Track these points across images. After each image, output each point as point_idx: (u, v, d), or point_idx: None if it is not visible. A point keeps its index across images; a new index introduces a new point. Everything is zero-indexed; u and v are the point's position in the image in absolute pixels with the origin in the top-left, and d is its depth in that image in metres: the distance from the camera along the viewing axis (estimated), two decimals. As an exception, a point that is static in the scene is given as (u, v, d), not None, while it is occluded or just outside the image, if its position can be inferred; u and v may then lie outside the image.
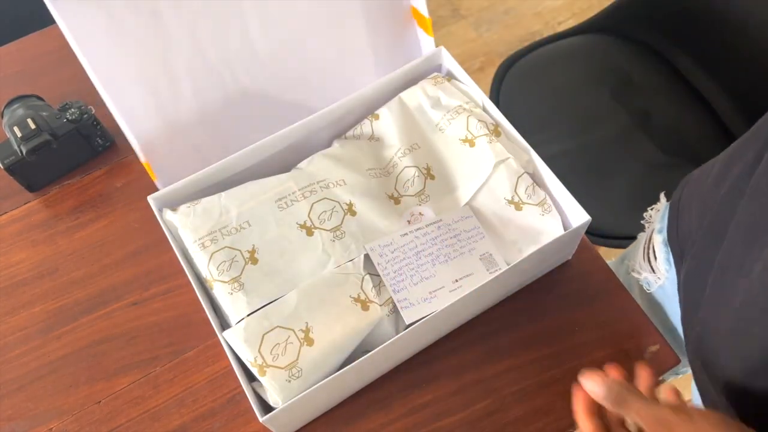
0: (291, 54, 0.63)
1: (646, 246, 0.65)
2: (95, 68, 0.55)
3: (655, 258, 0.63)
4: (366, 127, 0.63)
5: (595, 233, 0.89)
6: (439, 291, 0.53)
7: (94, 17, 0.52)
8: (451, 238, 0.56)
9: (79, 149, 0.69)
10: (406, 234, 0.55)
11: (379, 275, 0.53)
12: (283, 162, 0.61)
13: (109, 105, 0.56)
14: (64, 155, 0.68)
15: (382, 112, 0.62)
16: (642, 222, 0.69)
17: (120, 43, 0.55)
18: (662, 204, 0.65)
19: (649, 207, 0.68)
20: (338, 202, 0.57)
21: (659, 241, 0.62)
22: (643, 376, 0.45)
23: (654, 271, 0.64)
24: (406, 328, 0.51)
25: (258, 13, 0.60)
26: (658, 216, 0.64)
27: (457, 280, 0.54)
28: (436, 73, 0.65)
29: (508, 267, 0.53)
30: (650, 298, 0.68)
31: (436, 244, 0.55)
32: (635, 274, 0.67)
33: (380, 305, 0.52)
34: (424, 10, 0.64)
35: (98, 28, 0.53)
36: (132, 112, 0.58)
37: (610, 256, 1.30)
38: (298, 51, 0.63)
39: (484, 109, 0.62)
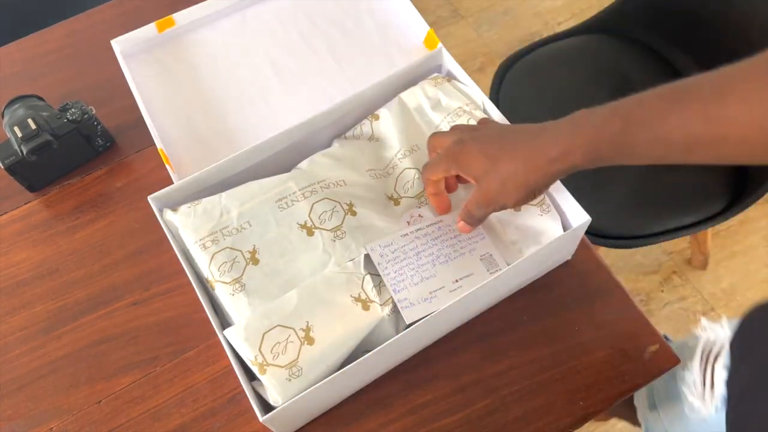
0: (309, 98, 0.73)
1: (704, 367, 0.58)
2: (140, 92, 0.69)
3: (712, 392, 0.57)
4: (366, 127, 0.63)
5: (595, 233, 0.90)
6: (440, 291, 0.53)
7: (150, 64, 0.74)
8: (452, 238, 0.55)
9: (79, 149, 0.69)
10: (406, 234, 0.55)
11: (379, 275, 0.54)
12: (284, 162, 0.61)
13: (148, 122, 0.66)
14: (65, 155, 0.68)
15: (382, 112, 0.63)
16: (698, 332, 0.61)
17: (165, 81, 0.74)
18: (723, 328, 0.59)
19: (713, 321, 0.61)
20: (338, 202, 0.57)
21: (720, 374, 0.56)
22: None
23: (704, 401, 0.58)
24: (407, 328, 0.51)
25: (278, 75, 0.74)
26: (718, 347, 0.58)
27: (457, 281, 0.54)
28: (436, 74, 0.65)
29: (508, 267, 0.53)
30: (683, 416, 0.63)
31: (437, 245, 0.55)
32: (685, 388, 0.60)
33: (380, 305, 0.52)
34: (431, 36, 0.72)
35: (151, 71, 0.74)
36: (161, 121, 0.70)
37: (609, 256, 1.30)
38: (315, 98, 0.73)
39: (484, 110, 0.62)
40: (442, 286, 0.54)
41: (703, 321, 0.61)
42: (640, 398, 0.73)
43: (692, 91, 0.42)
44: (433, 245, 0.55)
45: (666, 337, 0.72)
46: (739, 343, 0.54)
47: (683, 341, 0.66)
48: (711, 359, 0.58)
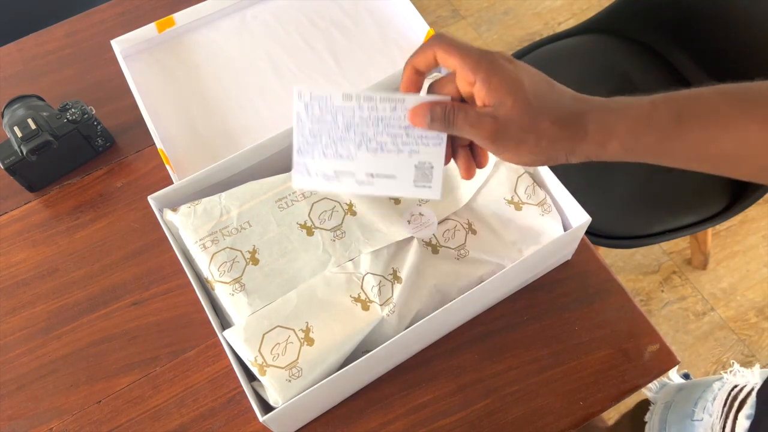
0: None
1: (726, 412, 0.55)
2: (140, 92, 0.69)
3: None
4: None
5: (595, 233, 0.90)
6: (346, 177, 0.45)
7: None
8: (399, 128, 0.45)
9: (79, 149, 0.69)
10: (350, 98, 0.44)
11: (380, 275, 0.53)
12: (284, 162, 0.61)
13: (147, 120, 0.66)
14: (65, 155, 0.68)
15: (382, 112, 0.62)
16: (727, 375, 0.59)
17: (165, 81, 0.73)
18: (753, 375, 0.57)
19: (731, 369, 0.59)
20: (338, 202, 0.57)
21: (743, 424, 0.53)
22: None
23: None
24: (407, 328, 0.51)
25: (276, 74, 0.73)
26: (744, 394, 0.55)
27: (372, 175, 0.46)
28: (436, 73, 0.65)
29: (508, 267, 0.53)
30: None
31: (377, 126, 0.45)
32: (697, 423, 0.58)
33: (380, 305, 0.52)
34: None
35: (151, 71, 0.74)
36: (161, 121, 0.70)
37: (610, 256, 1.30)
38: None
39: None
40: (352, 172, 0.45)
41: (736, 366, 0.59)
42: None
43: (762, 100, 0.37)
44: (372, 124, 0.45)
45: (687, 376, 0.71)
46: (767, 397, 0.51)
47: (707, 380, 0.63)
48: (735, 406, 0.55)
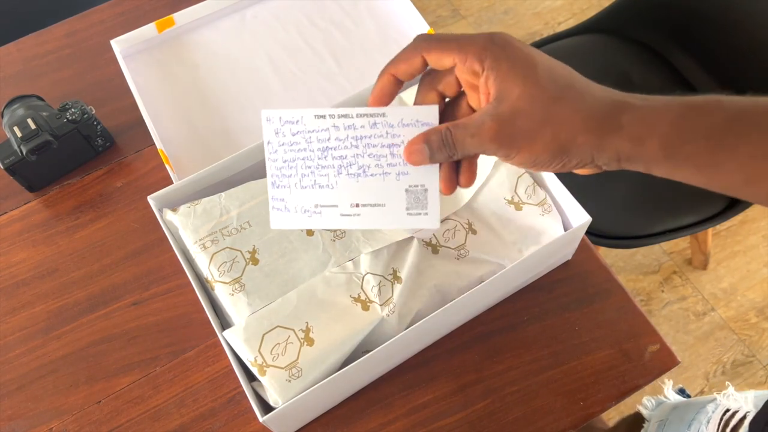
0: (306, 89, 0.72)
1: None
2: (140, 92, 0.69)
3: None
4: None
5: (595, 233, 0.89)
6: (329, 210, 0.40)
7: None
8: (384, 147, 0.39)
9: (79, 149, 0.69)
10: (323, 117, 0.39)
11: (380, 275, 0.53)
12: (284, 162, 0.61)
13: (146, 118, 0.66)
14: (65, 155, 0.68)
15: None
16: (720, 398, 0.57)
17: (165, 81, 0.73)
18: (746, 401, 0.55)
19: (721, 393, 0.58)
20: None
21: None
22: None
23: None
24: (407, 328, 0.51)
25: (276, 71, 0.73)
26: (737, 420, 0.54)
27: (357, 205, 0.40)
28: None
29: (508, 267, 0.53)
30: None
31: (357, 148, 0.39)
32: None
33: (380, 305, 0.52)
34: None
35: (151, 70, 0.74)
36: (161, 121, 0.70)
37: (610, 256, 1.30)
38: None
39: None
40: (335, 204, 0.40)
41: (730, 388, 0.58)
42: None
43: None
44: (352, 146, 0.39)
45: (682, 390, 0.71)
46: (763, 426, 0.49)
47: (701, 401, 0.63)
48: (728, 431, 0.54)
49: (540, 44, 1.05)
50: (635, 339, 0.58)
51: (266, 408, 0.50)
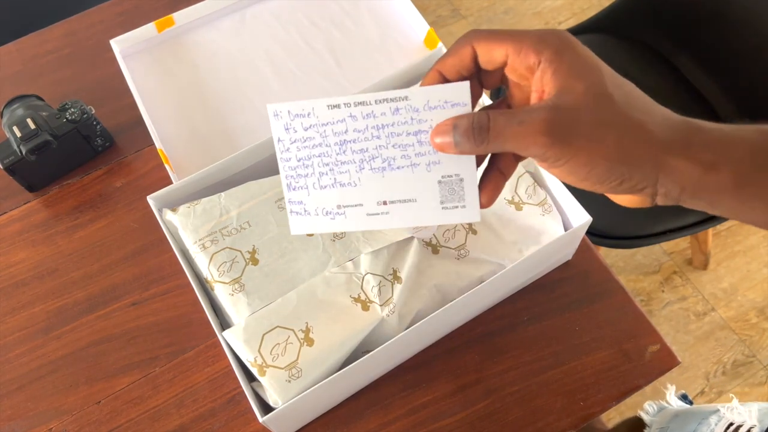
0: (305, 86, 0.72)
1: None
2: (140, 91, 0.70)
3: None
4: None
5: (595, 233, 0.89)
6: (354, 210, 0.36)
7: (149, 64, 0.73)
8: (410, 134, 0.35)
9: (78, 149, 0.69)
10: (337, 107, 0.35)
11: (380, 275, 0.53)
12: (283, 162, 0.61)
13: (146, 118, 0.66)
14: (64, 155, 0.68)
15: (382, 112, 0.62)
16: (723, 411, 0.57)
17: (164, 81, 0.73)
18: (751, 415, 0.54)
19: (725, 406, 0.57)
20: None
21: None
22: None
23: None
24: (407, 328, 0.51)
25: (274, 67, 0.73)
26: None
27: (385, 203, 0.36)
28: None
29: (508, 267, 0.52)
30: None
31: (380, 138, 0.35)
32: None
33: (380, 305, 0.52)
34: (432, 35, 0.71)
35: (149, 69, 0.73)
36: (160, 121, 0.70)
37: (610, 256, 1.30)
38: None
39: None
40: (359, 202, 0.36)
41: (734, 401, 0.56)
42: None
43: None
44: (373, 137, 0.35)
45: (684, 396, 0.70)
46: None
47: (703, 410, 0.62)
48: None
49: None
50: (635, 339, 0.58)
51: (266, 408, 0.50)
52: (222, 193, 0.56)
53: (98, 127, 0.68)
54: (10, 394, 0.58)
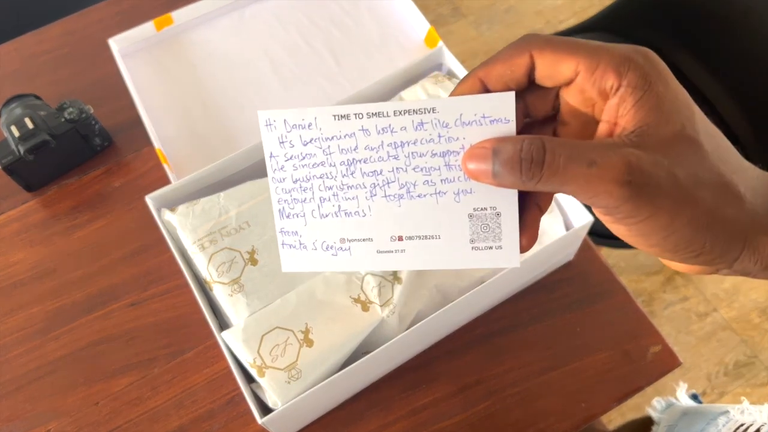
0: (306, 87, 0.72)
1: None
2: (138, 91, 0.69)
3: None
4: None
5: (597, 234, 0.89)
6: (361, 245, 0.30)
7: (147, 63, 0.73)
8: (436, 155, 0.28)
9: (77, 149, 0.68)
10: (346, 117, 0.28)
11: (380, 275, 0.53)
12: (283, 162, 0.60)
13: (142, 115, 0.66)
14: (63, 155, 0.67)
15: (382, 111, 0.62)
16: (733, 412, 0.55)
17: (163, 80, 0.73)
18: (762, 414, 0.53)
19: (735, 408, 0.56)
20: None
21: None
22: None
23: None
24: (407, 329, 0.51)
25: (275, 69, 0.73)
26: None
27: (401, 239, 0.29)
28: (436, 72, 0.65)
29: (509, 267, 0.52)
30: None
31: (398, 158, 0.28)
32: None
33: (380, 306, 0.52)
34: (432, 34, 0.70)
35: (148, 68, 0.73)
36: (159, 120, 0.70)
37: (612, 256, 1.30)
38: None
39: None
40: (368, 237, 0.30)
41: (745, 402, 0.55)
42: None
43: None
44: (388, 156, 0.29)
45: (695, 396, 0.70)
46: None
47: (712, 410, 0.61)
48: None
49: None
50: (637, 340, 0.57)
51: (265, 410, 0.50)
52: (221, 193, 0.56)
53: (97, 126, 0.68)
54: (8, 395, 0.58)
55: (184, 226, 0.54)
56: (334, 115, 0.28)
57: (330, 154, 0.29)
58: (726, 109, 0.94)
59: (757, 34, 0.85)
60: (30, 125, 0.63)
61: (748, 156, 0.94)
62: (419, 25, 0.73)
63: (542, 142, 0.23)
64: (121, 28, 0.74)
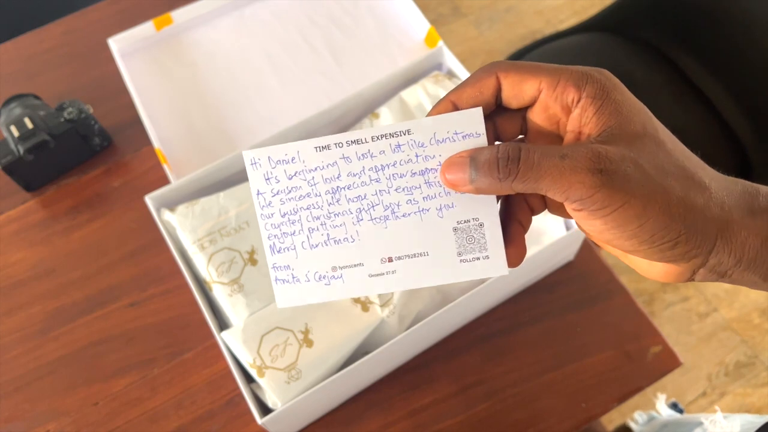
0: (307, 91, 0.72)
1: None
2: (138, 90, 0.69)
3: None
4: (366, 125, 0.62)
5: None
6: (352, 271, 0.30)
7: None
8: (416, 174, 0.29)
9: (76, 149, 0.68)
10: (327, 148, 0.30)
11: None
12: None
13: (142, 116, 0.66)
14: (62, 155, 0.67)
15: (382, 111, 0.62)
16: (707, 424, 0.56)
17: (162, 80, 0.73)
18: (732, 426, 0.54)
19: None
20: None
21: None
22: None
23: None
24: (407, 329, 0.51)
25: (276, 70, 0.72)
26: None
27: (390, 260, 0.30)
28: (436, 72, 0.65)
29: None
30: None
31: (379, 182, 0.30)
32: None
33: (380, 306, 0.52)
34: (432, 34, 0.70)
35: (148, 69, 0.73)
36: (159, 120, 0.70)
37: (612, 257, 1.29)
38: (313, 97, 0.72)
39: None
40: (359, 262, 0.30)
41: (718, 413, 0.56)
42: None
43: None
44: (370, 180, 0.30)
45: (675, 405, 0.70)
46: None
47: (689, 421, 0.61)
48: None
49: (542, 42, 1.05)
50: (637, 340, 0.57)
51: (265, 410, 0.50)
52: (220, 193, 0.56)
53: (96, 126, 0.68)
54: (7, 396, 0.58)
55: (183, 226, 0.54)
56: (316, 147, 0.30)
57: (315, 184, 0.30)
58: (726, 109, 0.94)
59: (757, 34, 0.85)
60: (29, 125, 0.63)
61: (748, 156, 0.94)
62: (419, 24, 0.73)
63: (517, 144, 0.25)
64: (120, 27, 0.74)
